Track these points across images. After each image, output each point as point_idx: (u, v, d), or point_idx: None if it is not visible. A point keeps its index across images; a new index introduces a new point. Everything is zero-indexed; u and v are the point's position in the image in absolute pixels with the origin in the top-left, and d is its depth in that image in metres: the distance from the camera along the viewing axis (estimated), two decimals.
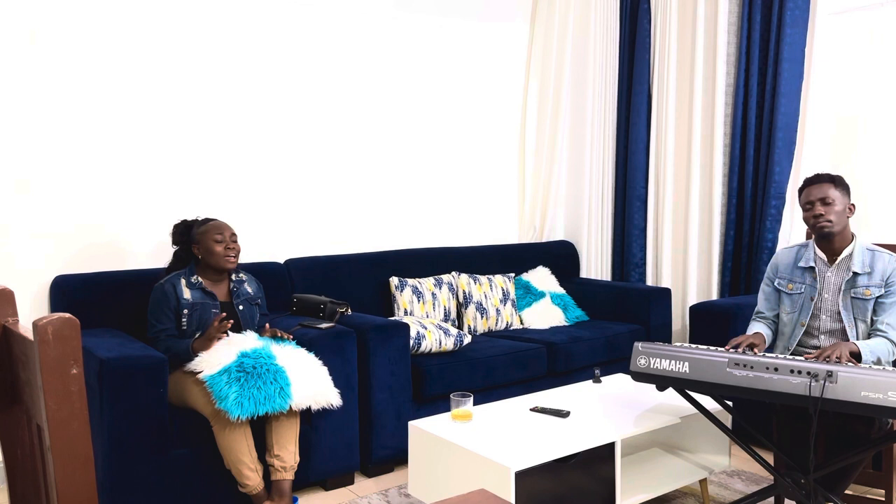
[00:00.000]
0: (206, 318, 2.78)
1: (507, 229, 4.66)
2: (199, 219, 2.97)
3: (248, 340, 2.67)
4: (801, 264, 2.57)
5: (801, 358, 2.15)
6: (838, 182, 2.47)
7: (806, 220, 2.50)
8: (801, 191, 2.52)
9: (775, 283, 2.65)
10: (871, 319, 2.45)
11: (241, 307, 2.88)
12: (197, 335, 2.73)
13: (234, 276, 2.93)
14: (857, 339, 2.45)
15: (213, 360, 2.57)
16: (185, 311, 2.76)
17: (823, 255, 2.53)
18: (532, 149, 4.66)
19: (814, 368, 2.03)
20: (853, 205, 2.49)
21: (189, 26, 3.39)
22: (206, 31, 3.44)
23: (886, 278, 2.43)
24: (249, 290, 2.96)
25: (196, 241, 2.84)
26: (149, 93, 3.30)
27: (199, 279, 2.83)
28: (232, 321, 2.67)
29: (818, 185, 2.46)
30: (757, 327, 2.64)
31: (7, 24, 2.95)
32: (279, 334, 2.80)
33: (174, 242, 2.94)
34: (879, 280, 2.43)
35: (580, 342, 3.70)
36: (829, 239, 2.48)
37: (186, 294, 2.77)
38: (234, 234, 2.85)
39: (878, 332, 2.42)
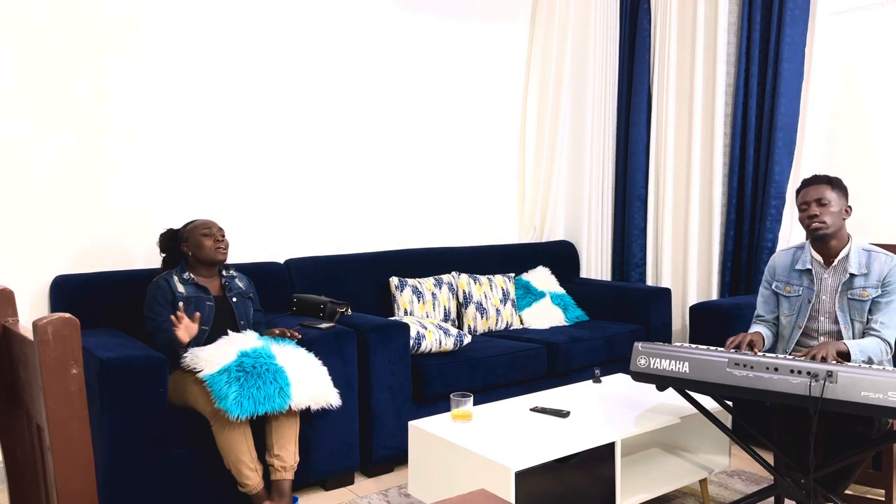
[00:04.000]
0: (201, 312, 2.78)
1: (507, 229, 4.66)
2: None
3: (248, 340, 2.67)
4: (798, 267, 2.57)
5: (801, 358, 2.15)
6: (836, 184, 2.46)
7: (801, 220, 2.50)
8: (798, 191, 2.52)
9: (773, 286, 2.65)
10: (867, 319, 2.45)
11: (234, 300, 2.91)
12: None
13: (224, 273, 2.96)
14: (853, 340, 2.44)
15: (213, 359, 2.57)
16: (181, 305, 2.77)
17: (819, 257, 2.52)
18: (532, 149, 4.66)
19: (814, 368, 2.03)
20: (850, 207, 2.48)
21: (190, 28, 3.39)
22: (206, 33, 3.44)
23: (883, 279, 2.42)
24: (241, 284, 2.99)
25: (185, 239, 2.89)
26: (149, 93, 3.30)
27: (191, 275, 2.87)
28: (199, 313, 2.69)
29: (815, 185, 2.46)
30: (757, 329, 2.64)
31: None
32: (288, 334, 2.81)
33: (161, 250, 2.98)
34: (876, 281, 2.43)
35: (580, 342, 3.70)
36: (823, 240, 2.48)
37: (180, 288, 2.81)
38: (221, 230, 2.91)
39: (872, 332, 2.41)
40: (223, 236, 2.90)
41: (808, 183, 2.49)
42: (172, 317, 2.61)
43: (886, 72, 3.58)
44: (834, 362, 2.14)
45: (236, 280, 3.00)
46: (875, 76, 3.63)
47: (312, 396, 2.63)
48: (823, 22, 3.65)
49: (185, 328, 2.60)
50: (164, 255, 2.98)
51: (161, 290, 2.79)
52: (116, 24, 3.21)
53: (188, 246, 2.88)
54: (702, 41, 4.10)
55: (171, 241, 2.95)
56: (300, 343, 2.82)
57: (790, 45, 3.71)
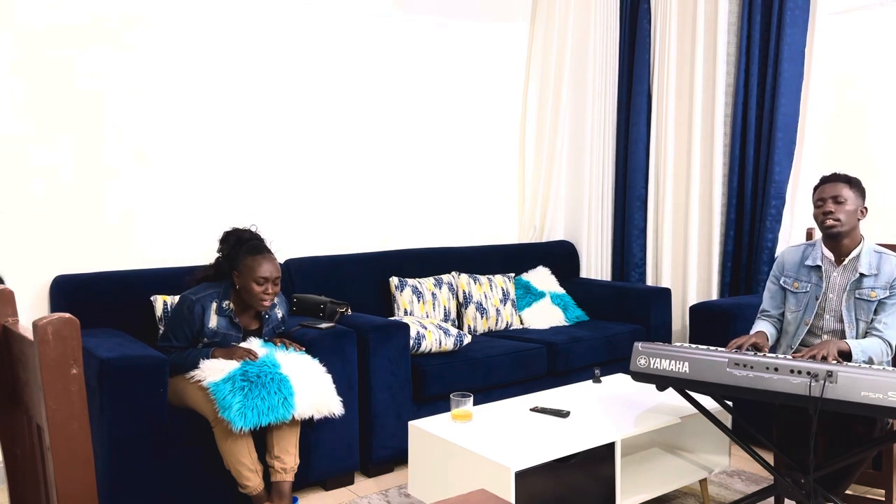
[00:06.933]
0: (224, 347, 2.73)
1: (507, 229, 4.66)
2: (252, 230, 2.81)
3: (253, 347, 2.67)
4: (808, 263, 2.56)
5: (802, 357, 2.15)
6: (854, 183, 2.44)
7: (815, 216, 2.48)
8: (815, 188, 2.50)
9: (781, 282, 2.64)
10: (871, 319, 2.44)
11: (266, 338, 2.82)
12: (214, 349, 2.67)
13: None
14: (855, 339, 2.44)
15: (217, 366, 2.56)
16: (205, 339, 2.70)
17: (831, 255, 2.52)
18: (532, 149, 4.66)
19: (814, 368, 2.03)
20: (865, 208, 2.46)
21: (189, 30, 3.39)
22: (205, 34, 3.43)
23: (893, 280, 2.41)
24: (279, 314, 2.89)
25: (239, 269, 2.69)
26: (149, 94, 3.30)
27: (231, 306, 2.73)
28: (257, 356, 2.61)
29: (833, 183, 2.44)
30: (761, 326, 2.63)
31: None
32: (287, 344, 2.78)
33: (219, 251, 2.79)
34: (886, 282, 2.42)
35: (580, 342, 3.69)
36: (836, 238, 2.46)
37: (213, 322, 2.68)
38: (279, 277, 2.71)
39: (874, 332, 2.41)
40: (277, 284, 2.70)
41: (825, 180, 2.47)
42: (243, 355, 2.59)
43: (886, 72, 3.58)
44: (835, 361, 2.14)
45: (276, 310, 2.86)
46: (875, 76, 3.63)
47: (316, 406, 2.62)
48: (823, 22, 3.65)
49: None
50: (219, 254, 2.79)
51: (192, 318, 2.65)
52: (117, 24, 3.20)
53: (238, 278, 2.69)
54: (702, 41, 4.10)
55: (234, 250, 2.73)
56: (300, 343, 2.81)
57: (790, 45, 3.71)
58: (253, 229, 2.84)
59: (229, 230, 2.82)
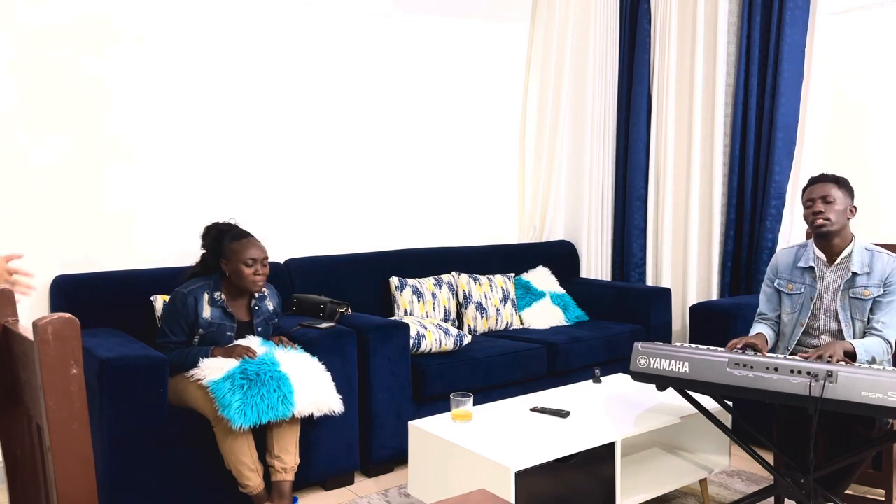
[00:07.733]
0: (219, 340, 2.74)
1: (507, 229, 4.66)
2: (231, 222, 2.85)
3: (252, 346, 2.67)
4: (801, 264, 2.57)
5: (801, 358, 2.16)
6: (842, 183, 2.47)
7: (805, 217, 2.50)
8: (804, 189, 2.52)
9: (775, 284, 2.65)
10: (868, 318, 2.45)
11: (259, 328, 2.83)
12: (213, 348, 2.68)
13: (256, 294, 2.85)
14: (854, 339, 2.45)
15: (216, 364, 2.57)
16: (201, 331, 2.71)
17: (822, 256, 2.53)
18: (532, 149, 4.66)
19: (814, 368, 2.03)
20: (855, 207, 2.48)
21: (190, 29, 3.39)
22: (206, 34, 3.43)
23: (885, 278, 2.42)
24: (270, 306, 2.89)
25: (226, 256, 2.74)
26: (149, 94, 3.30)
27: (222, 296, 2.74)
28: (256, 354, 2.62)
29: (821, 183, 2.47)
30: (759, 329, 2.64)
31: None
32: (286, 344, 2.78)
33: (203, 246, 2.84)
34: (878, 280, 2.43)
35: (580, 342, 3.69)
36: (827, 238, 2.48)
37: (206, 313, 2.70)
38: (266, 257, 2.74)
39: (874, 331, 2.42)
40: (266, 265, 2.74)
41: (814, 181, 2.50)
42: (242, 353, 2.59)
43: (886, 72, 3.58)
44: (842, 363, 2.14)
45: (266, 301, 2.88)
46: (875, 76, 3.63)
47: (315, 404, 2.62)
48: (823, 22, 3.65)
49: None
50: (204, 252, 2.83)
51: (186, 310, 2.67)
52: (117, 24, 3.20)
53: (227, 265, 2.73)
54: (702, 41, 4.10)
55: (217, 242, 2.78)
56: (299, 343, 2.81)
57: (790, 45, 3.71)
58: (232, 221, 2.88)
59: (209, 225, 2.87)
